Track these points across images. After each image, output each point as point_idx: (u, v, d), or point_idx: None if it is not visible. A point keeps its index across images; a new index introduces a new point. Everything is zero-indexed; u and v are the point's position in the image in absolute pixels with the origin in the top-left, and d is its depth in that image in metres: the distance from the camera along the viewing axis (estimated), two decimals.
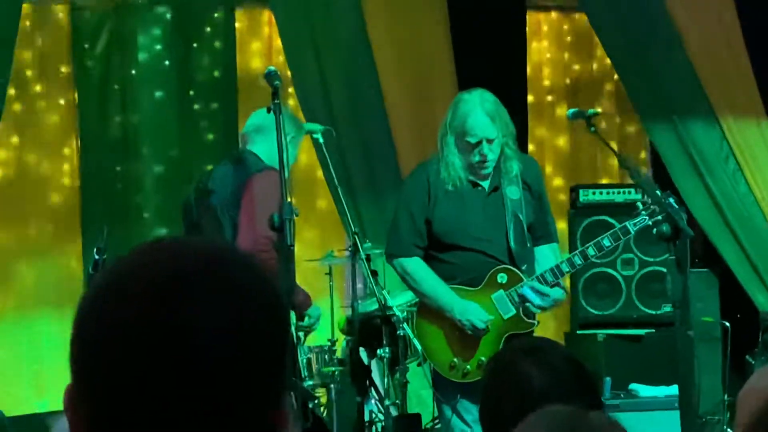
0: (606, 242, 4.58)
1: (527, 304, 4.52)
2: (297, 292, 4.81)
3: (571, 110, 4.73)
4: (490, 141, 4.50)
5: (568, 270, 4.60)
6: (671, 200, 4.24)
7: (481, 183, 4.62)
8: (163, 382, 1.02)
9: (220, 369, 1.03)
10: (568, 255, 4.76)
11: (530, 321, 4.61)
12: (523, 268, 4.58)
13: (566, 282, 6.99)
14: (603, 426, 1.33)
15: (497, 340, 4.55)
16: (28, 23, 6.88)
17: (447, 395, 4.59)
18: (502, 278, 4.56)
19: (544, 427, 1.32)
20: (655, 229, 4.22)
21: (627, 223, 4.53)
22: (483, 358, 4.52)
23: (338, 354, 5.68)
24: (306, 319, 4.97)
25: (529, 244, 4.63)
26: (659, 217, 4.30)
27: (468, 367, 4.54)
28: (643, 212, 4.44)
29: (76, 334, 1.07)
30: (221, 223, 4.73)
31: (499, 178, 4.61)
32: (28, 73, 6.95)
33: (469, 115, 4.49)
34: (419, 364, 4.92)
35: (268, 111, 4.21)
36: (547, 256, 4.66)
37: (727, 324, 6.54)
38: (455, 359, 4.58)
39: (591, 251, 4.58)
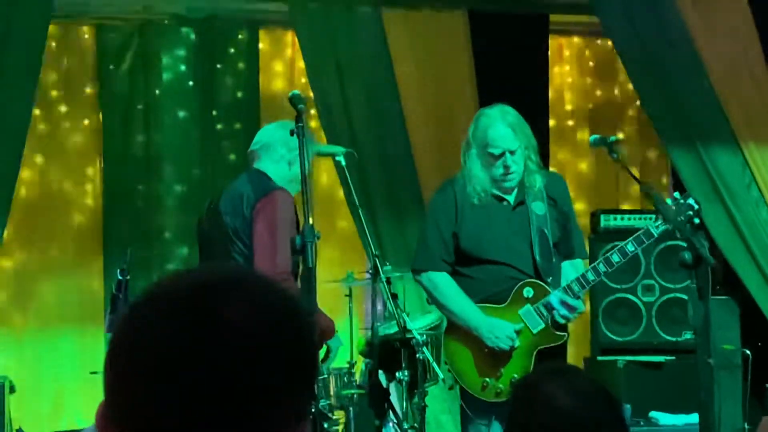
0: (630, 247, 4.57)
1: (554, 312, 4.51)
2: (321, 318, 4.75)
3: (593, 137, 4.73)
4: (512, 152, 4.54)
5: (593, 279, 4.57)
6: (700, 234, 4.27)
7: (506, 197, 4.63)
8: (191, 372, 1.10)
9: (247, 365, 1.11)
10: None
11: (560, 333, 4.60)
12: (549, 281, 4.58)
13: (587, 307, 6.97)
14: None
15: (528, 355, 4.54)
16: (53, 44, 6.95)
17: (479, 417, 4.55)
18: (528, 292, 4.56)
19: None
20: (677, 255, 4.22)
21: (649, 226, 4.53)
22: (516, 376, 4.50)
23: (357, 376, 5.67)
24: (324, 347, 4.84)
25: (554, 259, 4.63)
26: (682, 218, 4.32)
27: (500, 386, 4.52)
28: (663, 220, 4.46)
29: (117, 340, 1.15)
30: (231, 248, 4.64)
31: (524, 193, 4.62)
32: (53, 93, 7.01)
33: (490, 127, 4.55)
34: (450, 388, 4.87)
35: (292, 134, 4.21)
36: (569, 273, 4.65)
37: (748, 352, 6.51)
38: (487, 379, 4.56)
39: (615, 257, 4.56)
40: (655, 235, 4.53)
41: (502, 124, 4.54)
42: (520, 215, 4.62)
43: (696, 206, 4.46)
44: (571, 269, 4.67)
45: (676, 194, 4.56)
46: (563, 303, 4.49)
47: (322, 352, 4.88)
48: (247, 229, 4.60)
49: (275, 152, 4.78)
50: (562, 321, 4.55)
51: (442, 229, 4.63)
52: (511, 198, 4.64)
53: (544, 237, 4.59)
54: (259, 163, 4.82)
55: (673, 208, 4.47)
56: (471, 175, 4.59)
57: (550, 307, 4.51)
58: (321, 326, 4.73)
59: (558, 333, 4.60)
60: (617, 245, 4.62)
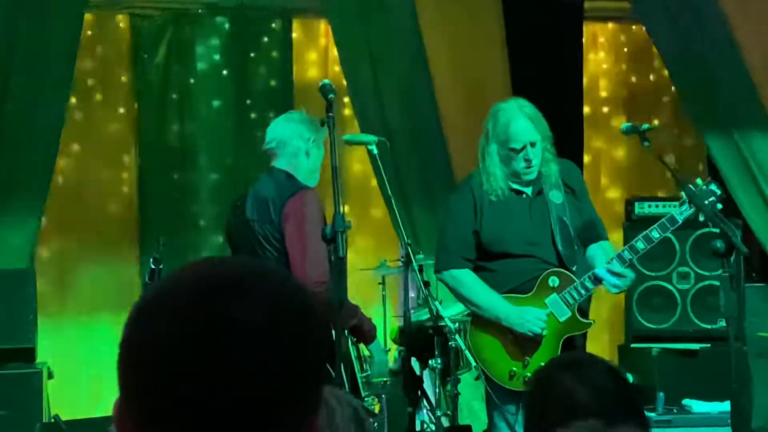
0: (654, 234, 4.55)
1: (602, 283, 4.50)
2: (364, 320, 4.68)
3: (625, 125, 4.71)
4: (533, 144, 4.54)
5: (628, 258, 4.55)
6: (732, 222, 4.26)
7: (524, 190, 4.64)
8: (204, 372, 1.09)
9: (257, 363, 1.09)
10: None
11: (586, 321, 4.62)
12: (573, 269, 4.58)
13: (620, 295, 6.94)
14: None
15: (555, 344, 4.56)
16: (89, 32, 7.00)
17: (507, 405, 4.56)
18: (553, 282, 4.57)
19: None
20: (710, 245, 4.21)
21: (673, 212, 4.52)
22: (543, 364, 4.50)
23: (391, 364, 5.70)
24: (366, 351, 4.81)
25: (576, 247, 4.63)
26: (706, 203, 4.31)
27: (528, 374, 4.53)
28: (688, 201, 4.44)
29: (127, 337, 1.14)
30: (262, 255, 4.55)
31: (541, 182, 4.63)
32: (89, 82, 7.07)
33: (511, 122, 4.54)
34: (477, 378, 4.89)
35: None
36: (597, 253, 4.64)
37: None
38: (514, 368, 4.58)
39: (640, 245, 4.54)
40: (679, 221, 4.52)
41: (522, 117, 4.53)
42: (539, 206, 4.62)
43: (718, 191, 4.45)
44: (600, 250, 4.65)
45: (698, 180, 4.54)
46: (611, 272, 4.47)
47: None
48: (277, 234, 4.54)
49: (291, 146, 4.70)
50: (616, 291, 4.56)
51: (461, 228, 4.64)
52: (528, 190, 4.64)
53: (564, 225, 4.59)
54: (277, 161, 4.74)
55: (697, 192, 4.45)
56: (488, 172, 4.59)
57: (597, 280, 4.50)
58: (363, 329, 4.69)
59: (584, 321, 4.61)
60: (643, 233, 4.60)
